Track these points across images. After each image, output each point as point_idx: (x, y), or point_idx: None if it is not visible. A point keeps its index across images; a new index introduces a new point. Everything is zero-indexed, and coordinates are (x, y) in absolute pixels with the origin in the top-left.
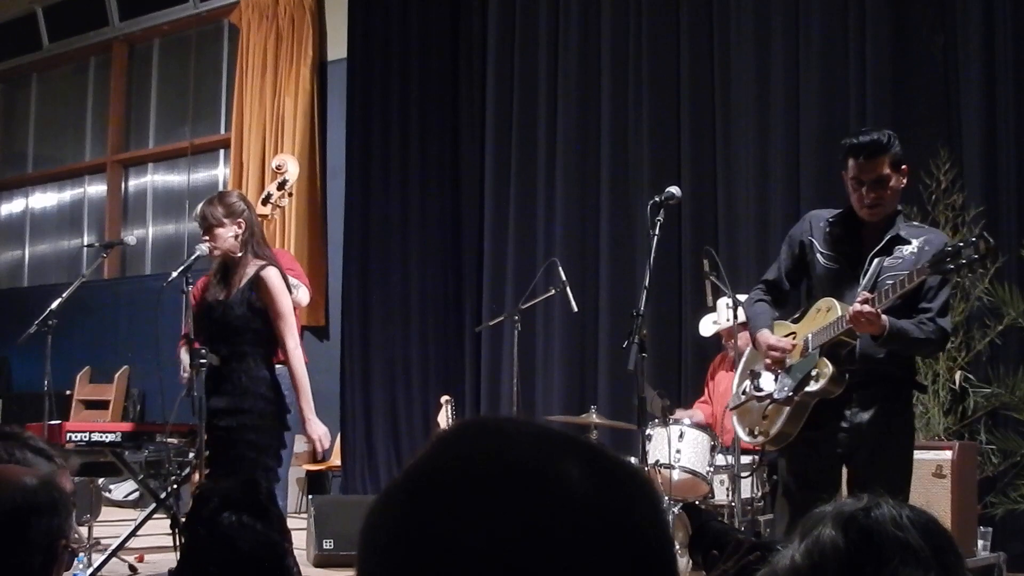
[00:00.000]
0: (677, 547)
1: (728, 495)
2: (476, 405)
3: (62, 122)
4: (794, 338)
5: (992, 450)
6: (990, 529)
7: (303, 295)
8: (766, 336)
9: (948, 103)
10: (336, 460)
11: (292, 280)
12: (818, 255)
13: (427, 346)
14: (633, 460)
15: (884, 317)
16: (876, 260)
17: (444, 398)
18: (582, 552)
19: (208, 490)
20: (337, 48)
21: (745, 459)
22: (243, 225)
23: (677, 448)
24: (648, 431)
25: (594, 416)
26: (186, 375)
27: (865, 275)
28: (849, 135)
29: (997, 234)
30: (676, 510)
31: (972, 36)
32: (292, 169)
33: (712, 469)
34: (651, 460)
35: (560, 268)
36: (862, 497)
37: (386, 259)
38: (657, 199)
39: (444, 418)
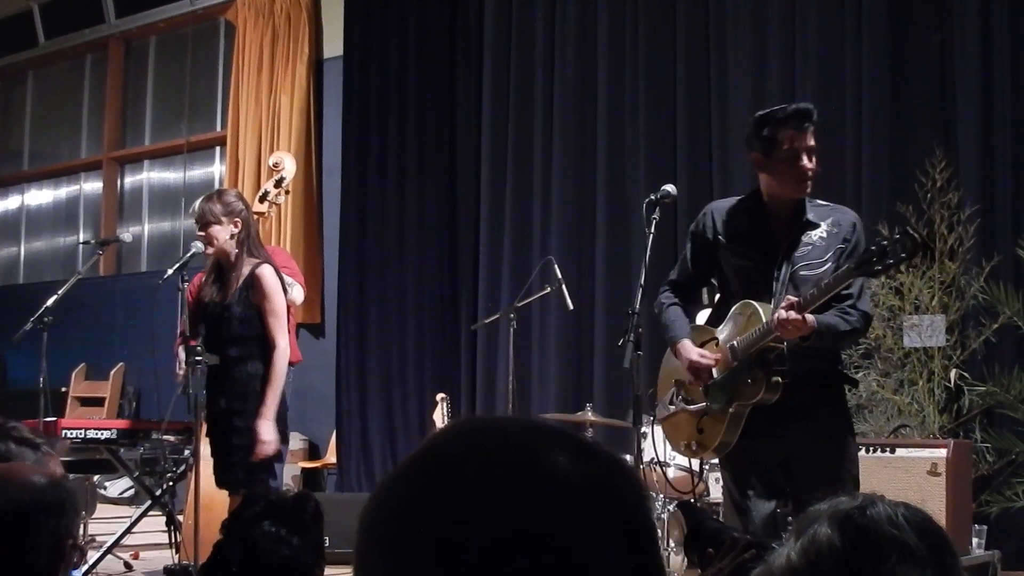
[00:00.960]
0: (673, 545)
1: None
2: (472, 403)
3: (58, 119)
4: (716, 344)
5: (987, 448)
6: (985, 527)
7: (297, 293)
8: (688, 350)
9: (944, 102)
10: (332, 458)
11: (287, 279)
12: (728, 252)
13: (423, 344)
14: (628, 458)
15: (811, 317)
16: (789, 251)
17: (440, 396)
18: (570, 532)
19: (258, 495)
20: (333, 46)
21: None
22: (239, 224)
23: None
24: (644, 429)
25: (590, 414)
26: (182, 372)
27: (779, 269)
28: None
29: (993, 233)
30: (672, 508)
31: (968, 34)
32: (289, 167)
33: (708, 467)
34: (647, 458)
35: (556, 266)
36: (856, 496)
37: (382, 256)
38: (652, 198)
39: (440, 416)
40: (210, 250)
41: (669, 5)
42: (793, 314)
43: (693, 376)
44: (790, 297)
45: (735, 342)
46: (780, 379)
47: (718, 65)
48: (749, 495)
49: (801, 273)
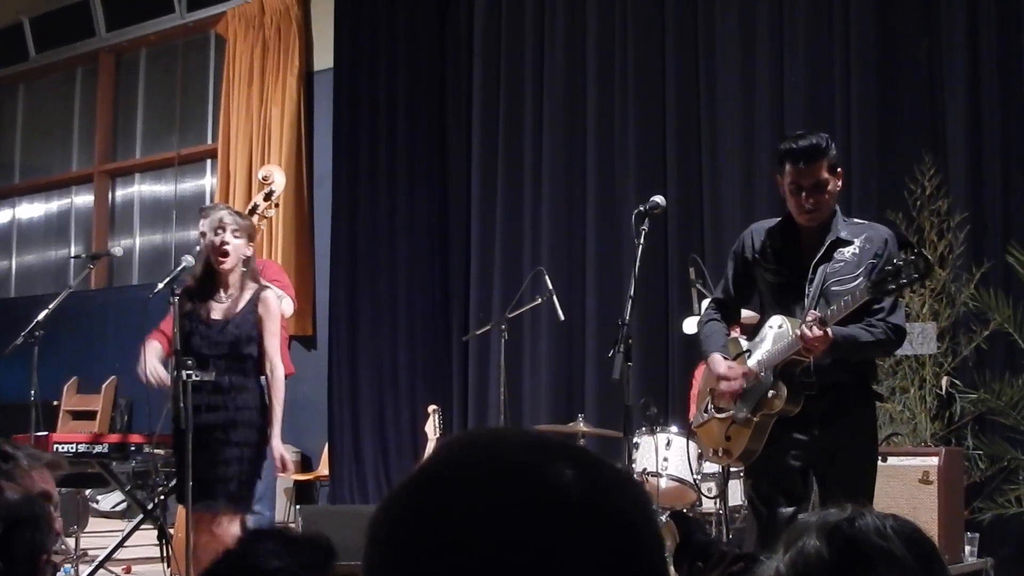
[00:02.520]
0: (666, 555)
1: (716, 503)
2: (464, 414)
3: (49, 132)
4: (748, 356)
5: (979, 455)
6: (977, 535)
7: (287, 306)
8: (717, 363)
9: (933, 108)
10: (324, 470)
11: (277, 291)
12: (762, 269)
13: (414, 355)
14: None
15: (829, 329)
16: (820, 268)
17: (432, 407)
18: (572, 544)
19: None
20: (324, 58)
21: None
22: (251, 248)
23: (664, 456)
24: (635, 439)
25: (581, 424)
26: (151, 374)
27: (811, 285)
28: (787, 140)
29: (983, 240)
30: (664, 518)
31: (956, 40)
32: (279, 180)
33: (699, 477)
34: (638, 468)
35: (547, 277)
36: (845, 507)
37: (373, 268)
38: (642, 208)
39: (432, 427)
40: (227, 263)
41: (657, 17)
42: (816, 330)
43: (723, 391)
44: (814, 312)
45: (763, 355)
46: (802, 392)
47: (707, 75)
48: (771, 503)
49: (833, 288)
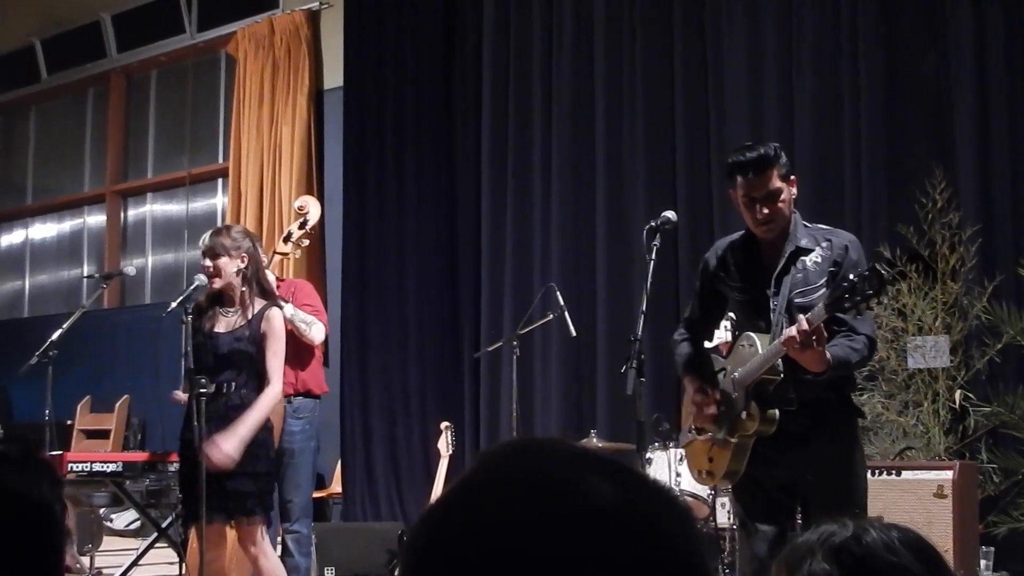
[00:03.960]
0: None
1: (729, 518)
2: (475, 431)
3: (61, 153)
4: (725, 374)
5: (993, 469)
6: (992, 549)
7: (317, 333)
8: (689, 386)
9: (941, 121)
10: (337, 487)
11: (308, 318)
12: (727, 286)
13: (426, 372)
14: None
15: (828, 353)
16: (783, 280)
17: (443, 424)
18: (615, 562)
19: None
20: (334, 77)
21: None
22: (245, 259)
23: (678, 471)
24: (648, 455)
25: (594, 440)
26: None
27: (775, 298)
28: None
29: (994, 252)
30: None
31: (964, 53)
32: (314, 211)
33: (713, 492)
34: None
35: (558, 293)
36: (845, 523)
37: (383, 286)
38: (653, 224)
39: (444, 444)
40: (217, 283)
41: (666, 32)
42: (804, 324)
43: (696, 410)
44: (789, 331)
45: (736, 374)
46: (776, 412)
47: (715, 91)
48: (754, 519)
49: (796, 301)
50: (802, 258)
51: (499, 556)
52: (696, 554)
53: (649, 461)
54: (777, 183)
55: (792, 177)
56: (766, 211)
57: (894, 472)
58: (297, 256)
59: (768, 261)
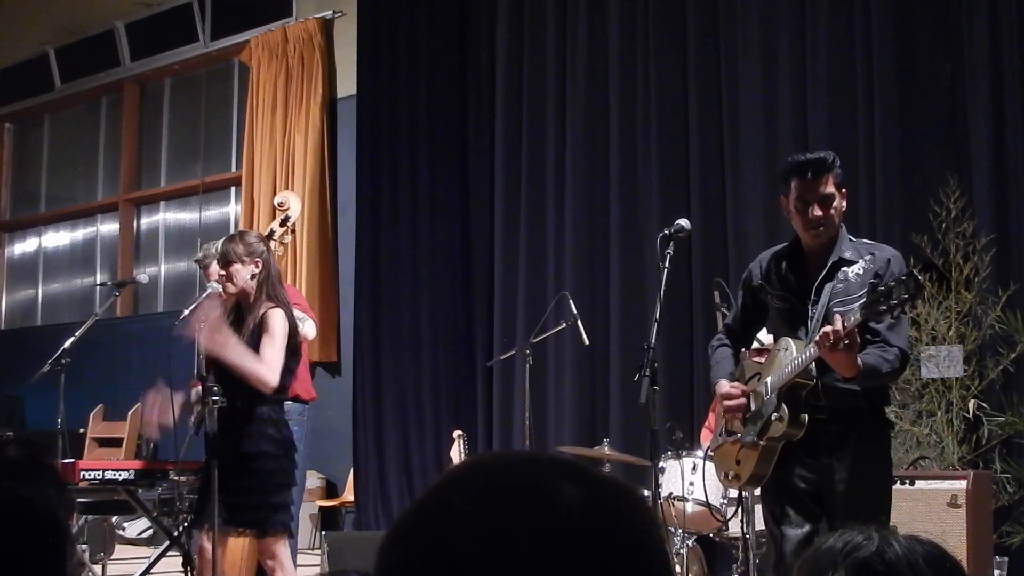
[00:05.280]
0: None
1: (742, 527)
2: (488, 439)
3: (74, 162)
4: (758, 378)
5: (1007, 479)
6: (1006, 559)
7: (309, 328)
8: (721, 385)
9: (956, 130)
10: (349, 496)
11: (298, 313)
12: (769, 295)
13: (438, 381)
14: (646, 493)
15: (859, 358)
16: (824, 289)
17: (456, 433)
18: (577, 560)
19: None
20: (347, 85)
21: (757, 492)
22: (260, 265)
23: (691, 480)
24: (661, 464)
25: (606, 449)
26: (195, 414)
27: (815, 306)
28: (793, 156)
29: (1008, 261)
30: (691, 543)
31: (979, 62)
32: (294, 206)
33: (726, 501)
34: (664, 493)
35: (571, 301)
36: (871, 536)
37: (397, 294)
38: (666, 232)
39: (456, 453)
40: (231, 289)
41: (680, 41)
42: (836, 325)
43: (727, 411)
44: (827, 328)
45: (769, 378)
46: (806, 416)
47: (729, 99)
48: (783, 523)
49: (836, 310)
50: (844, 269)
51: (464, 567)
52: (660, 556)
53: (662, 470)
54: (831, 188)
55: (844, 190)
56: (818, 213)
57: (908, 482)
58: (279, 254)
59: (811, 271)
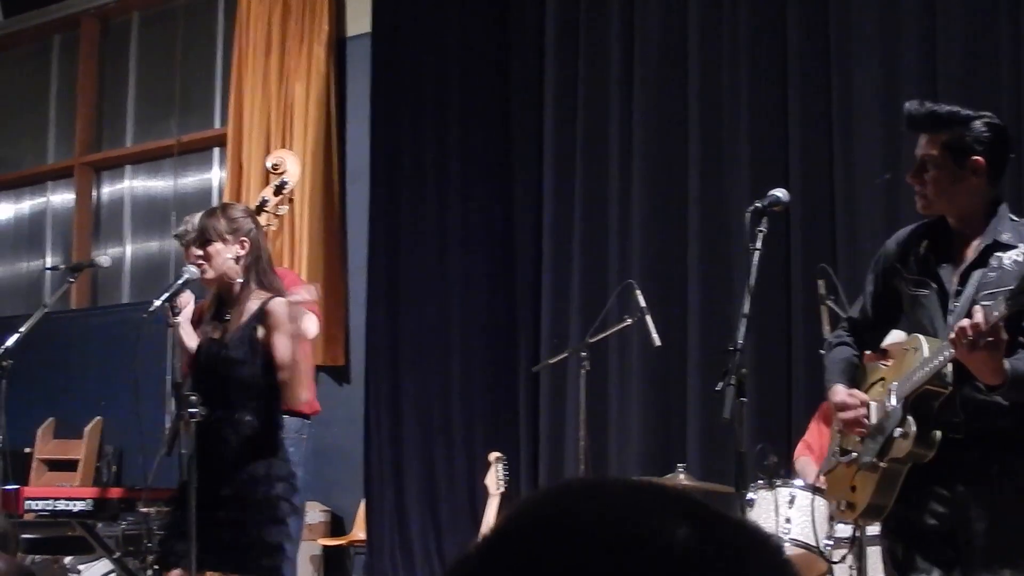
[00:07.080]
0: None
1: (850, 573)
2: (533, 464)
3: (19, 116)
4: (883, 385)
5: None
6: None
7: (310, 325)
8: (835, 392)
9: None
10: (360, 533)
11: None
12: (901, 279)
13: (472, 392)
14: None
15: (1006, 362)
16: (972, 275)
17: (493, 455)
18: None
19: None
20: (359, 21)
21: (872, 530)
22: (247, 246)
23: (786, 516)
24: (750, 495)
25: (682, 477)
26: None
27: (958, 297)
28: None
29: None
30: None
31: None
32: (292, 170)
33: (832, 543)
34: None
35: (638, 292)
36: None
37: (420, 284)
38: (758, 205)
39: (493, 480)
40: (209, 274)
41: None
42: (977, 318)
43: (844, 423)
44: (964, 321)
45: (894, 383)
46: (938, 433)
47: (839, 37)
48: (907, 570)
49: (984, 303)
50: (998, 254)
51: None
52: None
53: (751, 503)
54: (932, 151)
55: (974, 158)
56: (912, 179)
57: None
58: (274, 228)
59: (957, 254)
